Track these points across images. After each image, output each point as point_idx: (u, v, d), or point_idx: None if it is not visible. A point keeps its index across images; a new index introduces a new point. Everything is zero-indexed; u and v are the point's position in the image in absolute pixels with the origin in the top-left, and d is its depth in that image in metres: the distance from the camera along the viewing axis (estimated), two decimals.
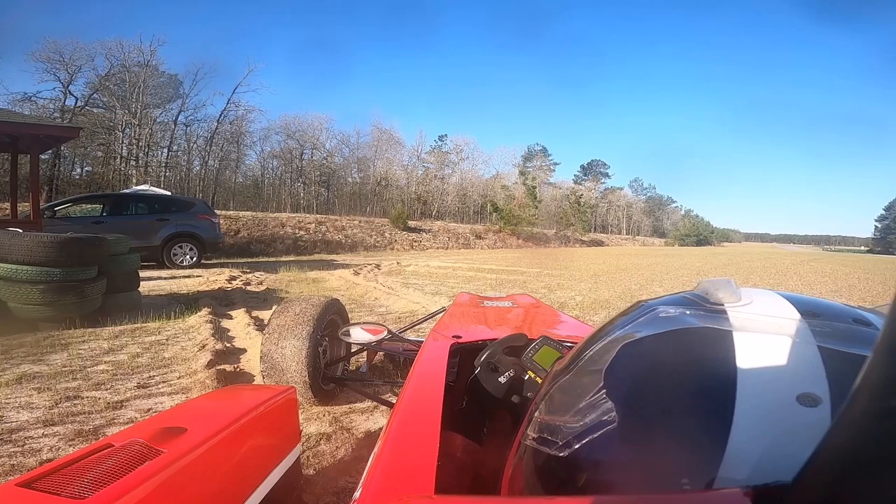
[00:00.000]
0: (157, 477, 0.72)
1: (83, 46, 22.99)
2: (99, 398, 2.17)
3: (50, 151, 17.50)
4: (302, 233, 19.22)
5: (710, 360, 0.43)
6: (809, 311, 0.45)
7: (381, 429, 1.55)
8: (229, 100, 28.10)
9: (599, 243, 39.26)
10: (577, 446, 0.45)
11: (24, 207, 8.29)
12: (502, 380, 0.90)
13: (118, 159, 24.37)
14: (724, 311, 0.46)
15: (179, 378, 2.50)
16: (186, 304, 4.63)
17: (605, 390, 0.46)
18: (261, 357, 2.00)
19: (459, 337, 1.27)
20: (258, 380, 2.25)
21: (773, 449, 0.36)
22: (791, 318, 0.44)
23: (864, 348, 0.40)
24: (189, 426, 0.88)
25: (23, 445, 1.71)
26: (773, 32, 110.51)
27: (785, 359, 0.40)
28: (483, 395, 0.92)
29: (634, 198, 61.32)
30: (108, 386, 2.34)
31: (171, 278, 6.86)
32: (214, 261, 10.56)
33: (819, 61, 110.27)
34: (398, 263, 11.23)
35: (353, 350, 2.35)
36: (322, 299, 2.20)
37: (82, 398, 2.17)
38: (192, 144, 27.85)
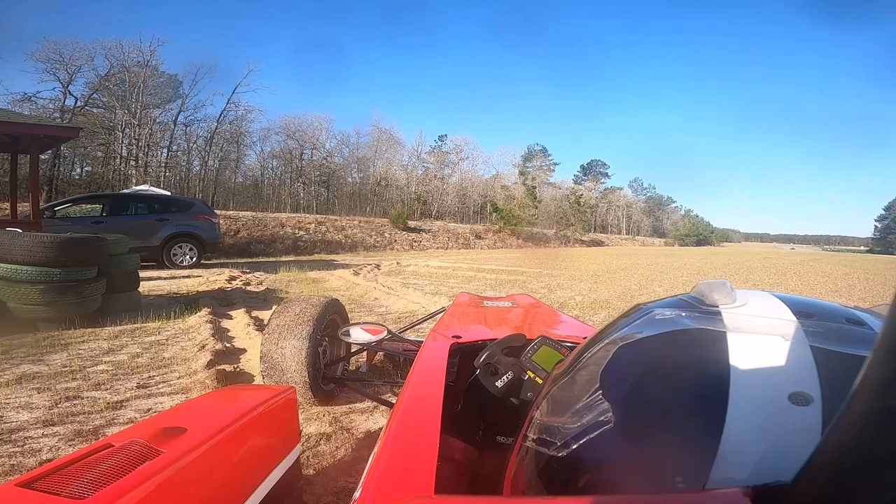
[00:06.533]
0: (157, 477, 0.72)
1: (83, 46, 23.02)
2: (99, 398, 2.17)
3: (50, 151, 17.49)
4: (302, 233, 19.21)
5: (704, 361, 0.44)
6: (803, 312, 0.46)
7: (381, 429, 1.55)
8: (229, 100, 28.14)
9: (599, 243, 39.26)
10: (574, 446, 0.45)
11: (24, 207, 8.29)
12: (502, 381, 0.90)
13: (118, 159, 24.36)
14: (719, 313, 0.47)
15: (179, 378, 2.50)
16: (186, 304, 4.63)
17: (601, 391, 0.47)
18: (261, 357, 2.00)
19: (459, 337, 1.27)
20: (258, 380, 2.25)
21: (765, 447, 0.37)
22: (785, 319, 0.45)
23: (856, 348, 0.40)
24: (189, 426, 0.88)
25: (23, 445, 1.71)
26: (772, 32, 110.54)
27: (778, 358, 0.41)
28: (483, 395, 0.92)
29: (634, 198, 61.32)
30: (108, 386, 2.34)
31: (170, 278, 6.85)
32: (214, 261, 10.56)
33: (819, 61, 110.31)
34: (398, 263, 11.23)
35: (352, 350, 2.35)
36: (322, 299, 2.20)
37: (82, 398, 2.17)
38: (191, 144, 27.86)
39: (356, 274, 8.25)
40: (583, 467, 0.46)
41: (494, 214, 30.75)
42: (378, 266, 10.15)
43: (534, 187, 34.85)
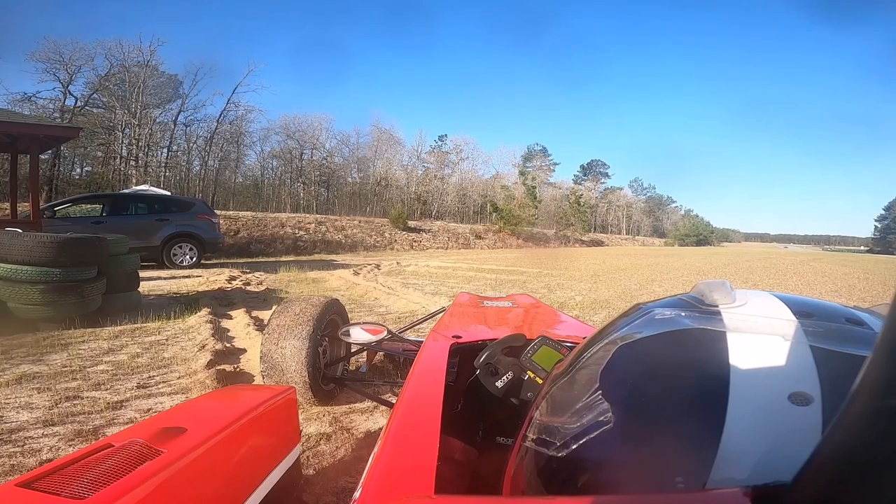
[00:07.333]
0: (157, 477, 0.72)
1: (83, 46, 23.03)
2: (99, 398, 2.17)
3: (50, 151, 17.49)
4: (302, 233, 19.21)
5: (703, 361, 0.44)
6: (803, 312, 0.46)
7: (381, 429, 1.55)
8: (229, 100, 28.17)
9: (599, 243, 39.26)
10: (574, 447, 0.45)
11: (24, 207, 8.29)
12: (502, 381, 0.90)
13: (118, 159, 24.37)
14: (719, 313, 0.47)
15: (179, 378, 2.50)
16: (186, 304, 4.63)
17: (601, 391, 0.47)
18: (261, 357, 2.00)
19: (459, 337, 1.27)
20: (258, 380, 2.25)
21: (765, 447, 0.37)
22: (784, 319, 0.45)
23: (856, 347, 0.40)
24: (189, 426, 0.88)
25: (23, 445, 1.71)
26: (773, 32, 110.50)
27: (777, 358, 0.41)
28: (483, 395, 0.92)
29: (634, 198, 61.32)
30: (108, 386, 2.34)
31: (170, 278, 6.85)
32: (214, 261, 10.56)
33: (819, 61, 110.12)
34: (398, 263, 11.23)
35: (352, 350, 2.35)
36: (322, 299, 2.20)
37: (82, 398, 2.17)
38: (191, 144, 27.87)
39: (356, 274, 8.25)
40: (583, 467, 0.46)
41: (494, 214, 30.74)
42: (378, 266, 10.14)
43: (534, 187, 34.83)
